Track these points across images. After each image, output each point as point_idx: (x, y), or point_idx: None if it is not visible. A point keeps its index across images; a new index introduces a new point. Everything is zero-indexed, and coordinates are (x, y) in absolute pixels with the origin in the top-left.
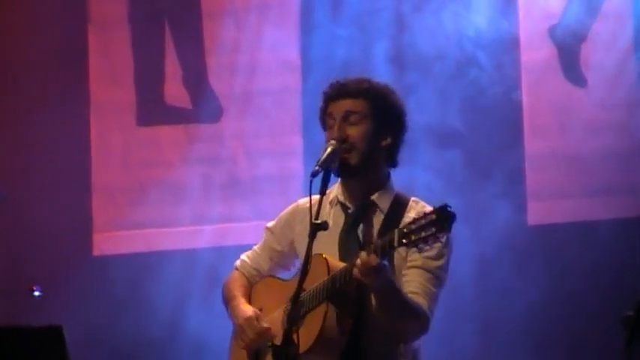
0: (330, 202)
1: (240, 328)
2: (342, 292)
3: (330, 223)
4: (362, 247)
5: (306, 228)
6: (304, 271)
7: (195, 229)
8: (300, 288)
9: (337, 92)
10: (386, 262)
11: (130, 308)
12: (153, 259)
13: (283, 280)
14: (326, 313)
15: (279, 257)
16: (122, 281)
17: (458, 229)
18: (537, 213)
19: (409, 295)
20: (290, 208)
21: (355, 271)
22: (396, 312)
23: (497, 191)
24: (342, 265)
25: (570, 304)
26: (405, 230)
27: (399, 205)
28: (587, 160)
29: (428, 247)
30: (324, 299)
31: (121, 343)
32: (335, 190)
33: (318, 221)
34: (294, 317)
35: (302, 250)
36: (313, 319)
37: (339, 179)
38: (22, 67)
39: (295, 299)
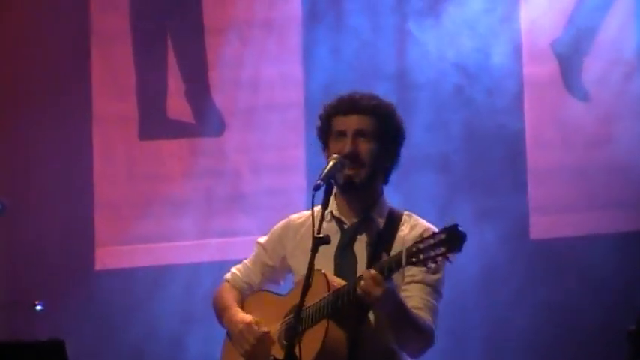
0: (326, 218)
1: (240, 334)
2: (343, 309)
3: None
4: (368, 265)
5: (297, 245)
6: (306, 286)
7: (198, 243)
8: (302, 303)
9: (348, 107)
10: (393, 282)
11: (133, 323)
12: (155, 274)
13: (277, 294)
14: (327, 330)
15: (270, 272)
16: (124, 296)
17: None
18: (540, 227)
19: (415, 310)
20: (282, 223)
21: (359, 289)
22: (404, 329)
23: (500, 205)
24: (340, 281)
25: (573, 317)
26: (413, 249)
27: (393, 219)
28: (590, 173)
29: (435, 266)
30: (325, 315)
31: (124, 358)
32: (330, 205)
33: (321, 235)
34: (295, 332)
35: (295, 265)
36: (314, 335)
37: (334, 194)
38: (26, 81)
39: (297, 314)
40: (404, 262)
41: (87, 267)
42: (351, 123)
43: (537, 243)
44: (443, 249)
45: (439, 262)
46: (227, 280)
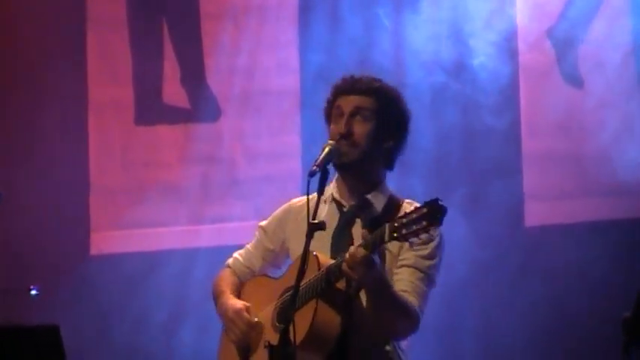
0: (325, 200)
1: (231, 321)
2: (332, 288)
3: (325, 220)
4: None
5: (298, 228)
6: (301, 271)
7: (193, 228)
8: (297, 287)
9: (349, 87)
10: (377, 257)
11: (128, 308)
12: (150, 259)
13: (272, 278)
14: (316, 309)
15: (271, 256)
16: (120, 281)
17: (455, 230)
18: (534, 214)
19: (401, 293)
20: (283, 207)
21: (344, 265)
22: (385, 308)
23: (495, 192)
24: (331, 261)
25: (568, 304)
26: (395, 224)
27: (393, 205)
28: (584, 160)
29: (419, 242)
30: (314, 295)
31: (118, 343)
32: (331, 187)
33: (316, 221)
34: (288, 315)
35: (294, 249)
36: (304, 314)
37: (336, 177)
38: (21, 67)
39: (293, 298)
40: (386, 237)
41: (82, 252)
42: (349, 102)
43: (532, 230)
44: (424, 223)
45: (421, 237)
46: (228, 266)
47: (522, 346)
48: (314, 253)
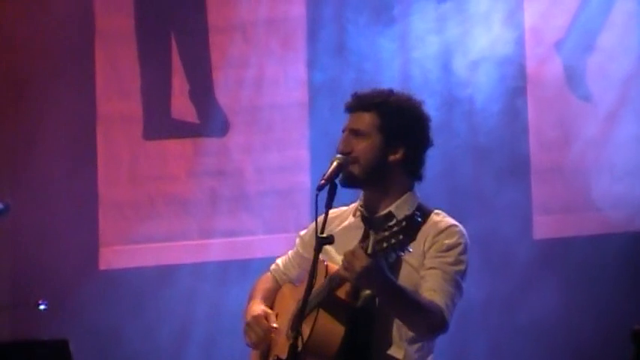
0: (354, 213)
1: (248, 326)
2: (336, 298)
3: (351, 232)
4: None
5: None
6: (310, 284)
7: (202, 242)
8: (305, 301)
9: (351, 104)
10: (382, 262)
11: (137, 322)
12: (160, 273)
13: (295, 286)
14: (316, 317)
15: (306, 264)
16: (129, 295)
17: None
18: (543, 227)
19: (426, 292)
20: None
21: (341, 268)
22: (400, 310)
23: (503, 204)
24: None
25: (576, 317)
26: (379, 237)
27: (420, 215)
28: (593, 173)
29: (442, 248)
30: (317, 304)
31: (127, 357)
32: (356, 202)
33: (324, 235)
34: (297, 327)
35: (323, 256)
36: (308, 323)
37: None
38: (30, 80)
39: (301, 309)
40: (370, 249)
41: (91, 267)
42: (350, 121)
43: (540, 243)
44: (401, 237)
45: (399, 253)
46: (269, 271)
47: (529, 355)
48: (325, 263)
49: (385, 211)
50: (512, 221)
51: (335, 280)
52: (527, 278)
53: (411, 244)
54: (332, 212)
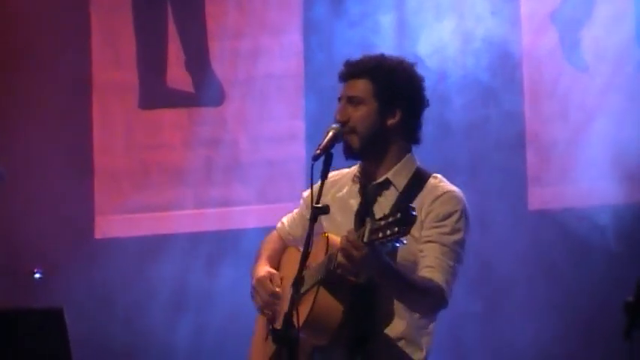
0: (353, 179)
1: (253, 288)
2: (336, 275)
3: (349, 199)
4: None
5: (328, 202)
6: (305, 254)
7: (196, 212)
8: (301, 271)
9: (345, 72)
10: (381, 247)
11: (132, 292)
12: (154, 243)
13: (299, 250)
14: (316, 296)
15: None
16: (124, 264)
17: None
18: (538, 198)
19: (425, 270)
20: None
21: (339, 255)
22: (402, 294)
23: (498, 176)
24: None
25: (572, 288)
26: (375, 227)
27: (417, 181)
28: (588, 145)
29: (437, 218)
30: (317, 280)
31: (122, 326)
32: (356, 166)
33: (319, 205)
34: (295, 298)
35: (324, 221)
36: (307, 300)
37: None
38: (25, 50)
39: (296, 282)
40: (366, 238)
41: (87, 236)
42: (345, 89)
43: (535, 214)
44: (396, 229)
45: (395, 244)
46: (276, 229)
47: (526, 327)
48: (326, 234)
49: (382, 178)
50: (508, 193)
51: (332, 262)
52: (523, 250)
53: (406, 237)
54: (332, 175)
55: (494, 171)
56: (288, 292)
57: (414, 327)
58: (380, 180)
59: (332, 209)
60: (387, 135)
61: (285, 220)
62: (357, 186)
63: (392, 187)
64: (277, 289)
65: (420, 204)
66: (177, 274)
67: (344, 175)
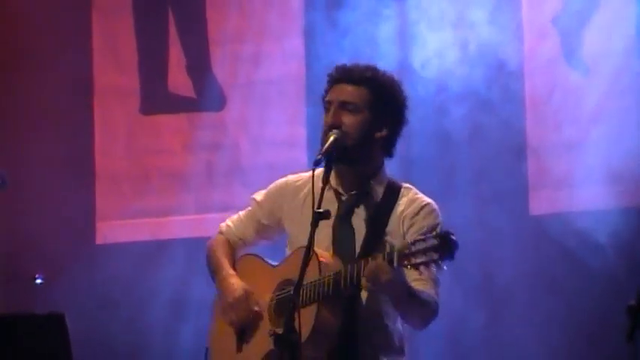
0: (322, 188)
1: (230, 306)
2: (336, 292)
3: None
4: (366, 240)
5: (295, 210)
6: (306, 263)
7: (198, 217)
8: (301, 281)
9: (341, 76)
10: (402, 271)
11: (133, 297)
12: (156, 248)
13: (269, 264)
14: (317, 313)
15: (264, 231)
16: (125, 270)
17: (460, 219)
18: (540, 203)
19: (415, 282)
20: (280, 183)
21: (364, 281)
22: (410, 309)
23: (500, 181)
24: (330, 260)
25: (573, 292)
26: (405, 252)
27: (392, 192)
28: (590, 148)
29: (424, 231)
30: (318, 299)
31: (123, 331)
32: (318, 172)
33: (321, 210)
34: (293, 307)
35: (292, 231)
36: (307, 316)
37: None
38: (26, 53)
39: (297, 291)
40: (395, 263)
41: (88, 241)
42: (339, 93)
43: (537, 219)
44: (435, 256)
45: (431, 268)
46: (222, 232)
47: (527, 331)
48: (316, 251)
49: (360, 189)
50: (510, 197)
51: (346, 281)
52: (524, 254)
53: (443, 262)
54: (294, 178)
55: (495, 175)
56: (264, 310)
57: (396, 333)
58: (358, 191)
59: (302, 215)
60: (372, 146)
61: (230, 223)
62: (331, 193)
63: (369, 198)
64: (257, 308)
65: (401, 216)
66: (178, 279)
67: (308, 180)
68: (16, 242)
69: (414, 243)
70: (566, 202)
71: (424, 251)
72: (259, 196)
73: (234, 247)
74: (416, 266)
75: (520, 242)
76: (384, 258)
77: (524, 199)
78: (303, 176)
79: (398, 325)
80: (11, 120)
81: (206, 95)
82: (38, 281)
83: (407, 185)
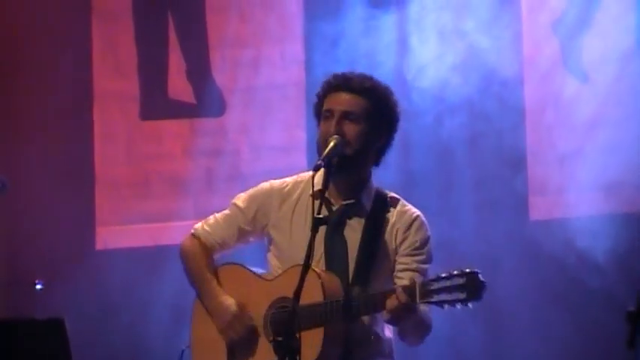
0: (312, 194)
1: (229, 325)
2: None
3: (310, 216)
4: (359, 254)
5: (284, 218)
6: (306, 266)
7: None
8: (297, 298)
9: (340, 84)
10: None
11: (133, 302)
12: (156, 254)
13: (258, 276)
14: (323, 338)
15: (244, 236)
16: (125, 275)
17: (461, 224)
18: (539, 208)
19: (424, 316)
20: (263, 189)
21: (386, 314)
22: (413, 331)
23: (500, 186)
24: (334, 285)
25: (573, 297)
26: (428, 288)
27: (380, 202)
28: (589, 154)
29: (416, 245)
30: (323, 323)
31: (123, 337)
32: (317, 184)
33: (320, 216)
34: (296, 311)
35: (279, 239)
36: (311, 339)
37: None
38: (25, 59)
39: (296, 294)
40: (418, 299)
41: (88, 246)
42: (339, 102)
43: (537, 224)
44: (462, 296)
45: (456, 306)
46: (197, 236)
47: (527, 335)
48: (315, 270)
49: (352, 200)
50: (509, 202)
51: (359, 309)
52: (524, 259)
53: (471, 303)
54: (281, 183)
55: (495, 180)
56: (258, 322)
57: (385, 340)
58: (350, 201)
59: (292, 224)
60: (367, 156)
61: (207, 227)
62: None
63: (360, 208)
64: (252, 323)
65: (392, 230)
66: (178, 284)
67: (295, 186)
68: (16, 247)
69: (437, 279)
70: (565, 210)
71: (449, 289)
72: (240, 201)
73: (211, 251)
74: (441, 305)
75: (519, 251)
76: (405, 292)
77: (523, 207)
78: (289, 181)
79: (387, 333)
80: (11, 125)
81: (206, 100)
82: (38, 287)
83: (392, 195)
